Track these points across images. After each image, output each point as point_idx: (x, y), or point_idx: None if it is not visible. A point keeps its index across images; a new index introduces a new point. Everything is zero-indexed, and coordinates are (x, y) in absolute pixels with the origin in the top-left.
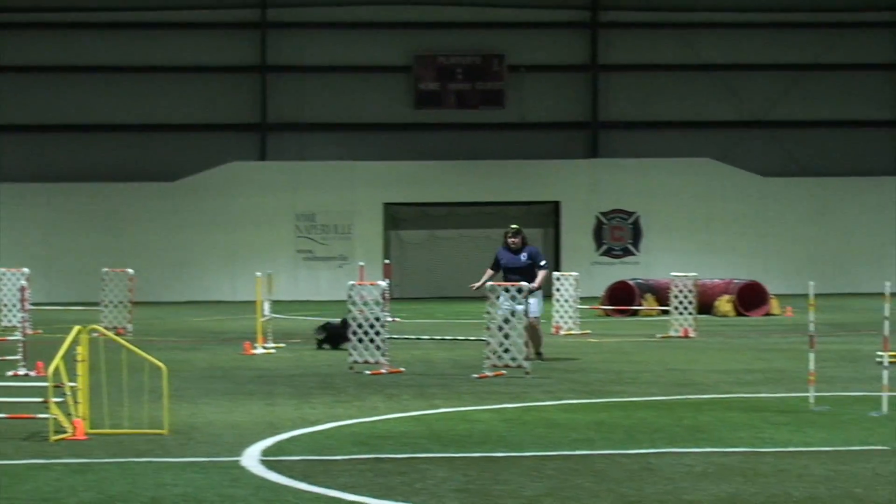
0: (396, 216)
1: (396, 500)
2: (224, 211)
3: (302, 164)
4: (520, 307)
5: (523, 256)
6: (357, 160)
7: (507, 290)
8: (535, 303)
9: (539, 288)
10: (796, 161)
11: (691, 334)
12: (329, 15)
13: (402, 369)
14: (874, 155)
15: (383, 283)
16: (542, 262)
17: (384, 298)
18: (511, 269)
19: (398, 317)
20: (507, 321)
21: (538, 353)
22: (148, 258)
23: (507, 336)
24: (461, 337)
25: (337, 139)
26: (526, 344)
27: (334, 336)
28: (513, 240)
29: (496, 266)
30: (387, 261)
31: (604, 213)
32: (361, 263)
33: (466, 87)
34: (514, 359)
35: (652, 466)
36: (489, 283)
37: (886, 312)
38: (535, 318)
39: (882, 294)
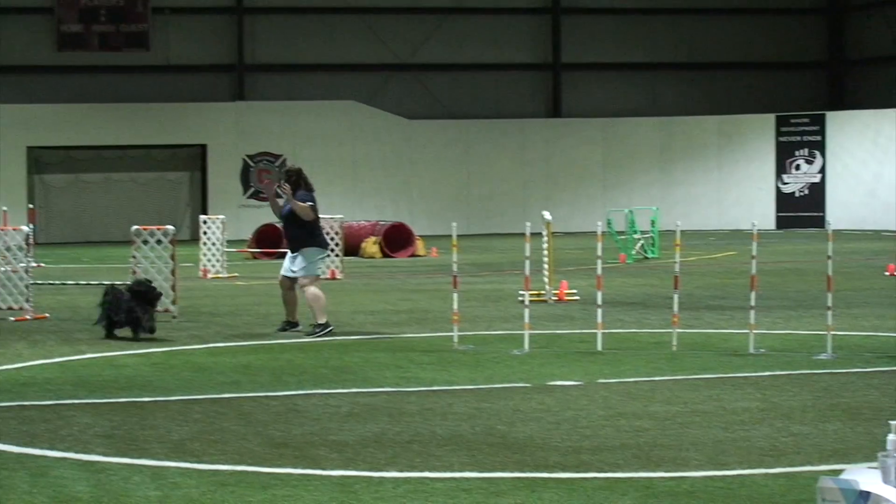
0: (40, 160)
1: (41, 448)
2: None
3: None
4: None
5: (289, 205)
6: None
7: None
8: (306, 263)
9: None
10: (441, 104)
11: (338, 276)
12: None
13: (47, 315)
14: (518, 98)
15: (27, 228)
16: (309, 203)
17: (28, 244)
18: (283, 219)
19: (43, 262)
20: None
21: (288, 322)
22: None
23: None
24: (107, 282)
25: None
26: (289, 303)
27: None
28: (285, 186)
29: None
30: (31, 205)
31: (250, 156)
32: (4, 208)
33: (110, 29)
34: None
35: (298, 408)
36: (134, 227)
37: (528, 252)
38: (285, 277)
39: (524, 234)
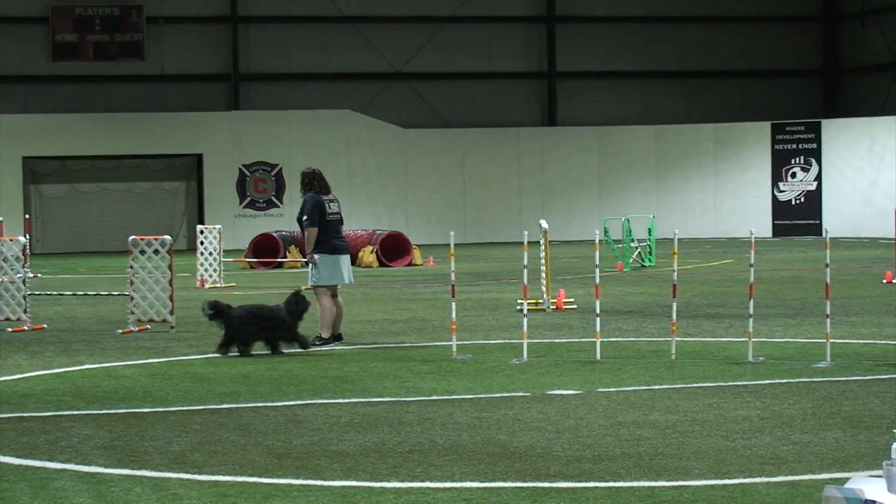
0: (36, 170)
1: (41, 459)
2: None
3: None
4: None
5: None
6: None
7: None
8: (311, 269)
9: (310, 253)
10: (436, 112)
11: None
12: None
13: (45, 325)
14: (513, 106)
15: (23, 239)
16: (303, 218)
17: (24, 254)
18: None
19: (39, 272)
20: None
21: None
22: None
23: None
24: (105, 292)
25: None
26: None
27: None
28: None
29: None
30: (27, 216)
31: (246, 166)
32: (0, 219)
33: (105, 39)
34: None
35: (299, 418)
36: (131, 237)
37: (525, 261)
38: (311, 287)
39: (521, 243)
